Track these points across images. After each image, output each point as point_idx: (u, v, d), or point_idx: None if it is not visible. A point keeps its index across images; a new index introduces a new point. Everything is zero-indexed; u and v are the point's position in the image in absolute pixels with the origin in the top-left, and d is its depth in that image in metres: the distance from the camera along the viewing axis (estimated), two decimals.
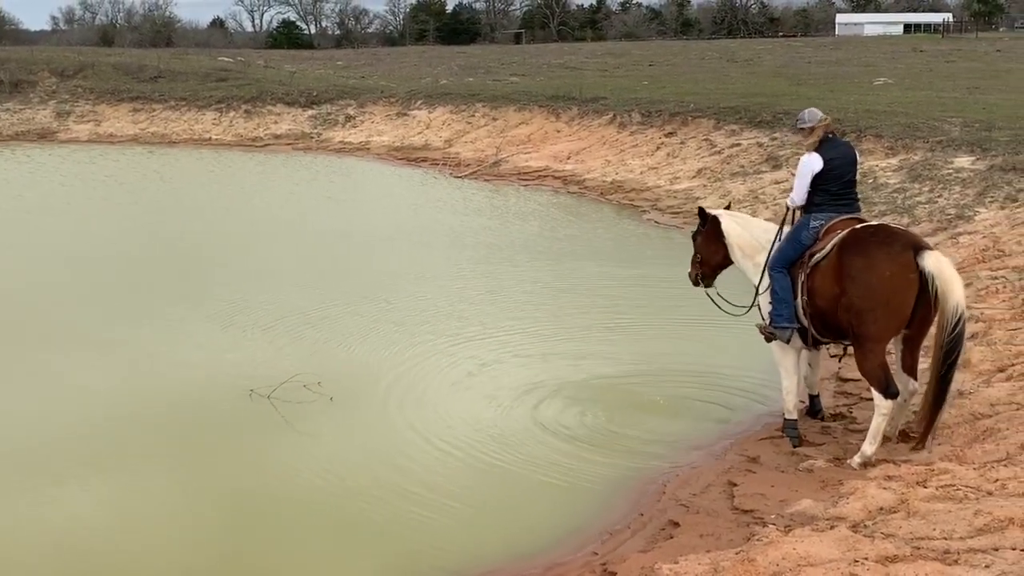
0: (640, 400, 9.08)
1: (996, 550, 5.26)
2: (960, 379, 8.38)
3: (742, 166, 20.66)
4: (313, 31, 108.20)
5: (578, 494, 7.28)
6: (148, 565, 6.47)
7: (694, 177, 20.99)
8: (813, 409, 8.36)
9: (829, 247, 7.31)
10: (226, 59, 49.63)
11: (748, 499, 6.85)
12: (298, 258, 15.40)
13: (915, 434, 7.40)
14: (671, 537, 6.45)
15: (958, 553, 5.29)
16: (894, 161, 17.70)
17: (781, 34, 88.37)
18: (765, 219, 9.92)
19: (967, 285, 10.81)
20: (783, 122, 22.12)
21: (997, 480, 6.28)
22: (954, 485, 6.30)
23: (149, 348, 10.68)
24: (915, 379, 7.49)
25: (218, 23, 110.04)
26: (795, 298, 7.53)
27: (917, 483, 6.50)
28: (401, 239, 16.62)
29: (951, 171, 16.26)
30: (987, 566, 5.07)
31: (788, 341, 7.71)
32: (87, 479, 7.66)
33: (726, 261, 8.40)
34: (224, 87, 38.14)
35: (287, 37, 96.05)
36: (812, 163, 7.56)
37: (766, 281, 7.80)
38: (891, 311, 7.00)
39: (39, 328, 11.38)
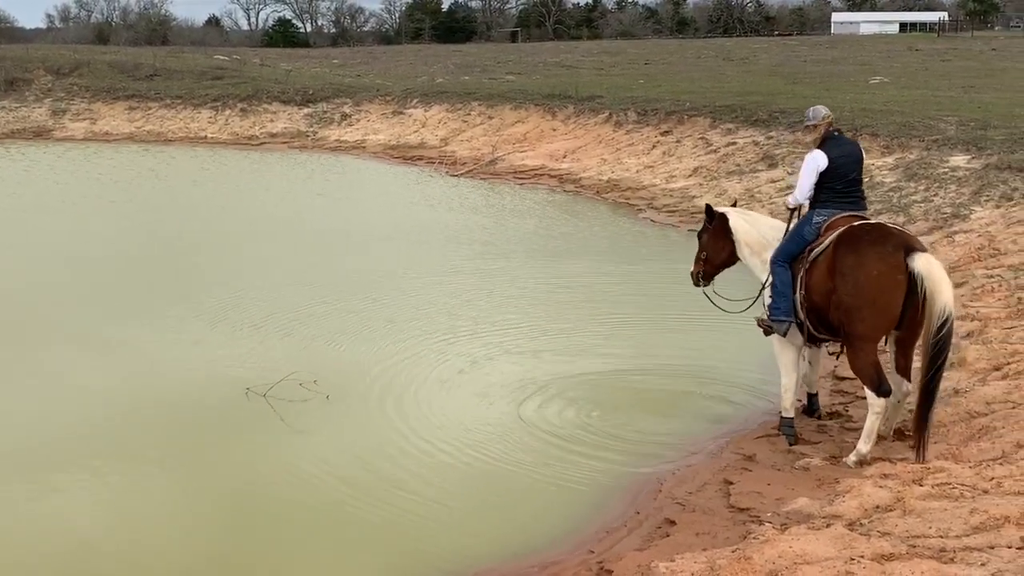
0: (637, 398, 9.08)
1: (992, 548, 5.27)
2: (956, 378, 8.42)
3: (738, 165, 20.68)
4: (309, 29, 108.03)
5: (574, 492, 7.28)
6: (147, 564, 6.45)
7: (690, 176, 21.00)
8: (810, 408, 8.36)
9: (827, 243, 7.32)
10: (222, 57, 49.58)
11: (744, 497, 6.85)
12: (293, 257, 15.38)
13: (910, 434, 7.40)
14: (667, 535, 6.45)
15: (954, 551, 5.30)
16: (890, 160, 17.72)
17: (777, 33, 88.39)
18: None
19: (963, 284, 10.87)
20: (779, 121, 22.16)
21: (993, 478, 6.30)
22: (950, 483, 6.31)
23: (147, 347, 10.66)
24: (908, 380, 7.49)
25: (214, 21, 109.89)
26: (794, 292, 7.53)
27: (913, 481, 6.51)
28: (399, 238, 16.60)
29: (947, 170, 16.28)
30: (983, 564, 5.07)
31: (785, 334, 7.71)
32: (87, 479, 7.65)
33: (732, 258, 8.35)
34: (220, 85, 38.10)
35: (283, 35, 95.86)
36: (817, 160, 7.56)
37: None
38: (878, 310, 7.01)
39: (38, 328, 11.35)
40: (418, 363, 10.06)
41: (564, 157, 25.05)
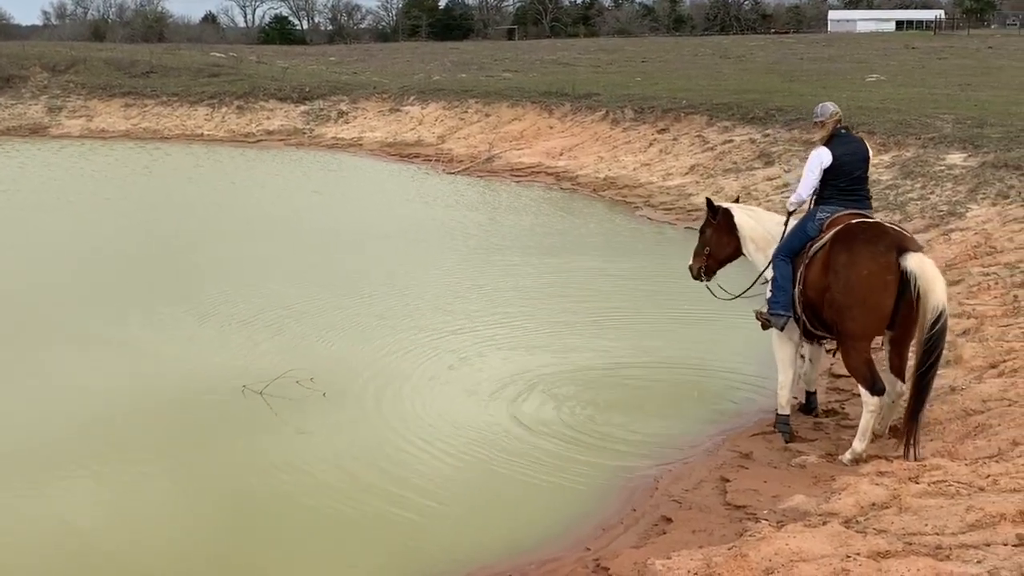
0: (634, 395, 9.09)
1: (988, 546, 5.28)
2: (952, 375, 8.43)
3: (735, 162, 20.69)
4: (305, 26, 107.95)
5: (570, 490, 7.29)
6: (147, 564, 6.45)
7: (687, 173, 21.00)
8: (808, 406, 8.36)
9: (825, 240, 7.32)
10: (218, 55, 49.51)
11: (741, 495, 6.86)
12: (290, 254, 15.36)
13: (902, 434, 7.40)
14: (664, 533, 6.46)
15: (950, 549, 5.30)
16: (886, 158, 17.73)
17: (774, 31, 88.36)
18: None
19: (959, 282, 10.88)
20: (775, 119, 22.17)
21: (989, 476, 6.30)
22: (946, 481, 6.32)
23: (146, 346, 10.65)
24: (902, 380, 7.47)
25: (210, 18, 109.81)
26: (793, 287, 7.54)
27: (909, 479, 6.52)
28: (396, 236, 16.59)
29: (943, 168, 16.30)
30: (979, 561, 5.08)
31: (782, 328, 7.70)
32: (87, 478, 7.64)
33: (736, 254, 8.35)
34: (216, 83, 38.05)
35: (279, 32, 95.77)
36: (821, 157, 7.55)
37: None
38: (868, 310, 7.00)
39: (36, 327, 11.32)
40: (414, 360, 10.06)
41: (561, 155, 25.05)
